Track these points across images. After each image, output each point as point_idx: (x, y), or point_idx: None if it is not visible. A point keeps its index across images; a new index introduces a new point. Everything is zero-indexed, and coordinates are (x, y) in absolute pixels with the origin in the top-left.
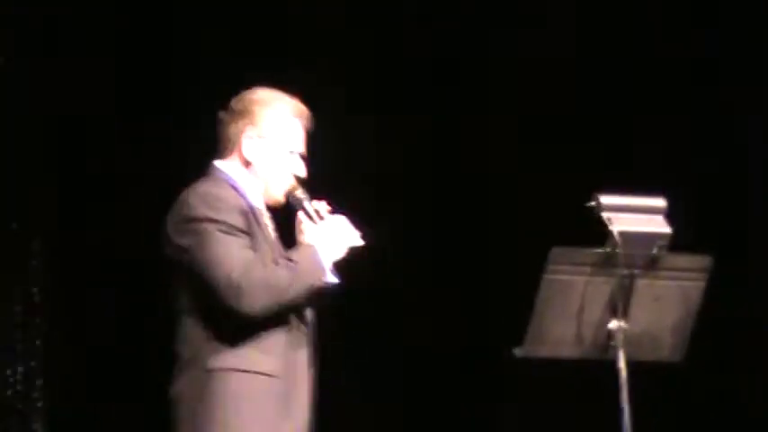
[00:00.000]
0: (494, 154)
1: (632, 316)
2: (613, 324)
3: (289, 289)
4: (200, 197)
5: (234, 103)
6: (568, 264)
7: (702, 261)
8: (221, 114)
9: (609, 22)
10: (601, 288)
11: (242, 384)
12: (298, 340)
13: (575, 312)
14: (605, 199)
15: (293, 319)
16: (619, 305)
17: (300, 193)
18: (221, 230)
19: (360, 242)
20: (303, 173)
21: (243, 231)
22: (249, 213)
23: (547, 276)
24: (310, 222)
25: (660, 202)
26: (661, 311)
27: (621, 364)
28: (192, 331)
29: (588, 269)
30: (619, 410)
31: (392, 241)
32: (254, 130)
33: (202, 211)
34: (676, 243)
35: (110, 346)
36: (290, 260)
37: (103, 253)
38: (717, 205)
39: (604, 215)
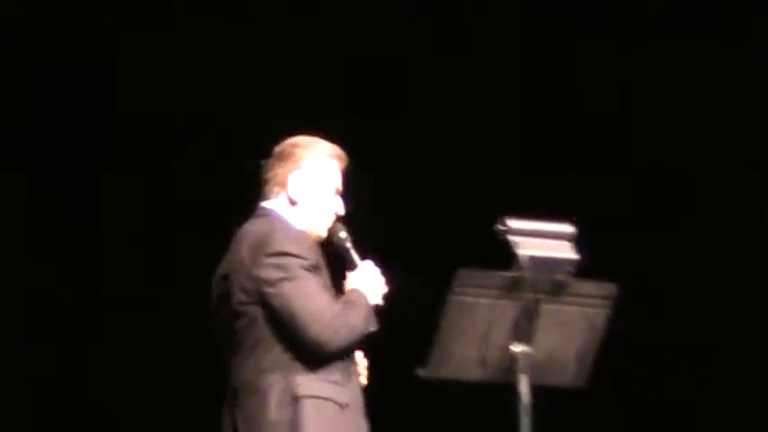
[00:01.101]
0: None
1: (536, 340)
2: (517, 348)
3: (359, 331)
4: (283, 233)
5: (277, 148)
6: (474, 286)
7: (608, 288)
8: (264, 161)
9: None
10: (506, 311)
11: (328, 412)
12: (355, 373)
13: (479, 335)
14: (513, 223)
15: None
16: (523, 329)
17: (343, 233)
18: (306, 268)
19: (386, 289)
20: (342, 211)
21: (318, 268)
22: (317, 255)
23: (452, 298)
24: (351, 264)
25: (568, 228)
26: (565, 337)
27: (524, 388)
28: (275, 359)
29: (494, 292)
30: None
31: None
32: (298, 171)
33: (288, 246)
34: (583, 270)
35: None
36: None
37: None
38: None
39: (512, 239)
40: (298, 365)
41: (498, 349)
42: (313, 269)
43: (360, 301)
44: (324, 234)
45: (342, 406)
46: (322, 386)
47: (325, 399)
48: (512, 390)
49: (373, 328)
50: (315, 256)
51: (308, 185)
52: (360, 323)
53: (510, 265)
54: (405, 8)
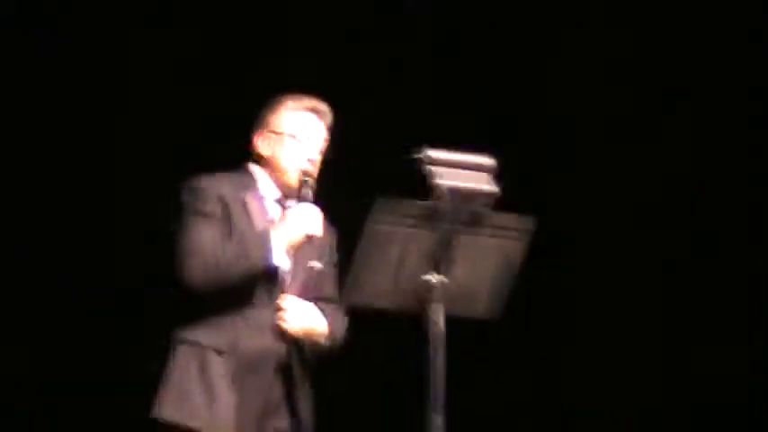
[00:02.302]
0: None
1: (452, 271)
2: (432, 277)
3: (230, 266)
4: (187, 185)
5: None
6: (391, 214)
7: (525, 222)
8: None
9: None
10: (422, 241)
11: (195, 357)
12: (260, 324)
13: (394, 263)
14: (432, 153)
15: (259, 301)
16: (439, 259)
17: (304, 178)
18: (194, 213)
19: (318, 232)
20: (313, 156)
21: (217, 215)
22: (228, 202)
23: (369, 226)
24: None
25: (488, 161)
26: (481, 268)
27: (437, 317)
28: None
29: (411, 221)
30: (429, 363)
31: None
32: (260, 130)
33: (184, 197)
34: (502, 203)
35: None
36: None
37: None
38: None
39: (430, 169)
40: (191, 309)
41: (413, 278)
42: (206, 216)
43: (252, 238)
44: (294, 179)
45: (218, 352)
46: (197, 330)
47: (195, 342)
48: (425, 319)
49: (267, 263)
50: (214, 205)
51: (272, 141)
52: (233, 259)
53: (428, 195)
54: None
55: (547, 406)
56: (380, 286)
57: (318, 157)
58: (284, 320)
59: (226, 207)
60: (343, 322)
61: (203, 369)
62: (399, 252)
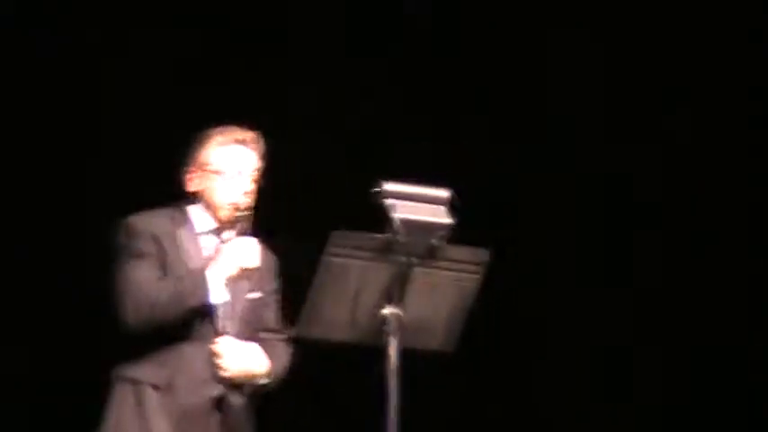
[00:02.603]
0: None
1: (407, 304)
2: (387, 310)
3: (165, 308)
4: (120, 225)
5: None
6: (347, 247)
7: (480, 255)
8: None
9: None
10: (378, 274)
11: (132, 393)
12: (197, 359)
13: (351, 296)
14: (389, 186)
15: (198, 336)
16: (395, 292)
17: (238, 214)
18: (129, 254)
19: (254, 264)
20: (246, 188)
21: (152, 254)
22: (162, 240)
23: (325, 258)
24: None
25: (444, 193)
26: (436, 301)
27: (393, 350)
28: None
29: (367, 254)
30: (385, 397)
31: None
32: (193, 167)
33: (119, 238)
34: (458, 235)
35: None
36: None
37: None
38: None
39: (387, 201)
40: (130, 347)
41: (369, 311)
42: (141, 255)
43: (189, 278)
44: (229, 214)
45: (153, 387)
46: (134, 367)
47: (132, 379)
48: (381, 352)
49: (204, 302)
50: (148, 244)
51: (199, 179)
52: (169, 299)
53: (385, 228)
54: None
55: None
56: (337, 319)
57: (252, 187)
58: (221, 367)
59: (159, 245)
60: (286, 353)
61: (140, 404)
62: (356, 285)
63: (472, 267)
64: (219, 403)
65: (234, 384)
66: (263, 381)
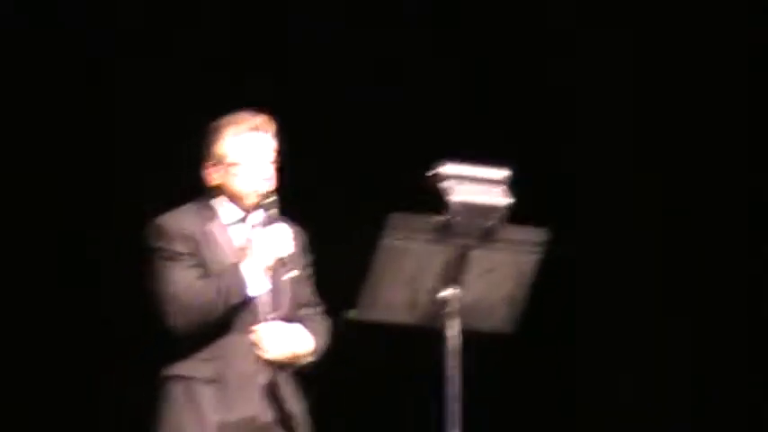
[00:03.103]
0: None
1: (466, 285)
2: (446, 292)
3: (210, 307)
4: (151, 228)
5: None
6: (406, 230)
7: (538, 234)
8: None
9: None
10: (436, 256)
11: (182, 388)
12: (244, 350)
13: (409, 278)
14: (445, 168)
15: (242, 326)
16: (453, 273)
17: (265, 202)
18: (165, 257)
19: (288, 252)
20: (267, 175)
21: (188, 254)
22: (195, 237)
23: (384, 241)
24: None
25: (502, 173)
26: (494, 282)
27: (452, 332)
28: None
29: (425, 236)
30: (445, 379)
31: None
32: (211, 161)
33: (151, 242)
34: (517, 215)
35: None
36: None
37: None
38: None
39: (443, 184)
40: (177, 345)
41: (427, 293)
42: (178, 257)
43: (227, 276)
44: (255, 201)
45: (205, 381)
46: (183, 364)
47: (182, 376)
48: (440, 335)
49: (244, 297)
50: (183, 244)
51: (219, 173)
52: (213, 302)
53: (442, 210)
54: None
55: (564, 416)
56: (396, 301)
57: (273, 171)
58: (264, 351)
59: (193, 243)
60: (325, 327)
61: (192, 400)
62: (414, 267)
63: (530, 247)
64: (270, 388)
65: (280, 367)
66: (308, 358)
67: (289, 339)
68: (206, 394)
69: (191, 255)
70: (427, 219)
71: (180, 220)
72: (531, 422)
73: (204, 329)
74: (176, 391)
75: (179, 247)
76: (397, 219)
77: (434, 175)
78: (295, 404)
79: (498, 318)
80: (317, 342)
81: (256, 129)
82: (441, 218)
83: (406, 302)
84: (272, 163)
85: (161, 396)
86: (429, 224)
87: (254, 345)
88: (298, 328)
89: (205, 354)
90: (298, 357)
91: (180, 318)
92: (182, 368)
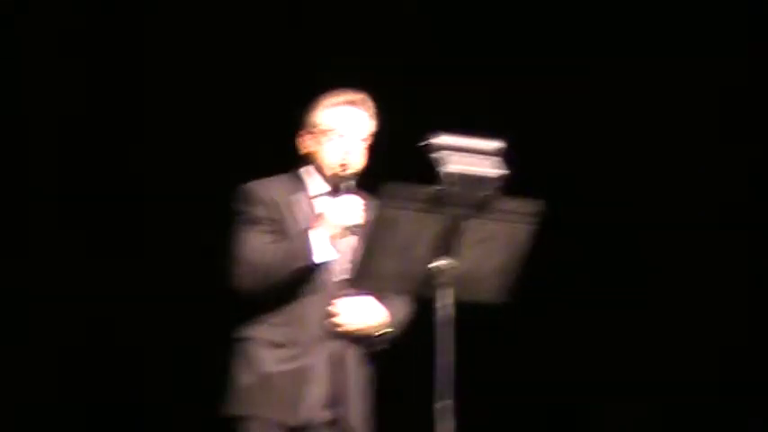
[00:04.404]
0: None
1: (459, 256)
2: (440, 262)
3: (275, 270)
4: (239, 192)
5: None
6: (399, 199)
7: (532, 205)
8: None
9: None
10: (430, 226)
11: (252, 350)
12: (313, 317)
13: (403, 249)
14: (438, 139)
15: (313, 293)
16: (446, 244)
17: (343, 176)
18: (245, 220)
19: (356, 221)
20: (349, 150)
21: (267, 219)
22: (279, 206)
23: (377, 211)
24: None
25: (495, 144)
26: (488, 253)
27: (445, 301)
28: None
29: (418, 206)
30: (437, 348)
31: None
32: (305, 129)
33: (237, 205)
34: (511, 186)
35: None
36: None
37: None
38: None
39: (436, 155)
40: (252, 309)
41: (421, 263)
42: (256, 221)
43: (294, 241)
44: (334, 173)
45: (275, 345)
46: (254, 327)
47: (252, 338)
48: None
49: (311, 262)
50: (263, 209)
51: (310, 140)
52: (278, 263)
53: (436, 180)
54: None
55: (556, 390)
56: (390, 271)
57: (361, 148)
58: (339, 324)
59: (277, 211)
60: (404, 301)
61: (262, 363)
62: (408, 237)
63: (525, 218)
64: (336, 358)
65: (353, 339)
66: (383, 331)
67: (363, 312)
68: (277, 360)
69: (271, 221)
70: (421, 188)
71: (267, 187)
72: (526, 396)
73: (271, 293)
74: (248, 353)
75: (261, 212)
76: (390, 188)
77: (429, 145)
78: (360, 375)
79: (491, 289)
80: (393, 315)
81: (353, 103)
82: (435, 187)
83: (400, 272)
84: (363, 140)
85: (233, 357)
86: (423, 194)
87: (330, 315)
88: (371, 301)
89: (276, 317)
90: (372, 330)
91: (246, 276)
92: (253, 330)
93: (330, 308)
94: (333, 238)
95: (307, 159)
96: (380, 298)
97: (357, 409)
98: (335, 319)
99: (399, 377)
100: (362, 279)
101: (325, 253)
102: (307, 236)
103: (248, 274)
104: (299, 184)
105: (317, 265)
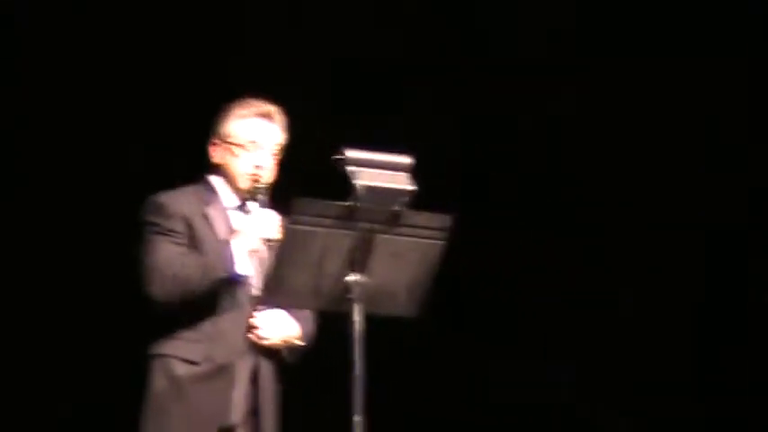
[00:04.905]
0: None
1: (370, 270)
2: (351, 277)
3: (190, 279)
4: (150, 204)
5: None
6: (310, 215)
7: (443, 220)
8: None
9: None
10: (341, 241)
11: (167, 369)
12: (230, 332)
13: (314, 263)
14: (351, 153)
15: (230, 309)
16: (358, 259)
17: (257, 185)
18: (156, 232)
19: (275, 235)
20: (260, 162)
21: (178, 233)
22: (192, 220)
23: (288, 226)
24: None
25: (406, 160)
26: (399, 267)
27: (357, 317)
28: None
29: (329, 221)
30: (351, 363)
31: None
32: (216, 139)
33: (147, 216)
34: (421, 201)
35: None
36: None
37: None
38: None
39: (349, 169)
40: (164, 324)
41: (333, 278)
42: (167, 233)
43: (212, 251)
44: (246, 186)
45: (190, 362)
46: (168, 343)
47: (167, 355)
48: (346, 319)
49: (229, 274)
50: (176, 223)
51: (221, 151)
52: (195, 273)
53: (347, 195)
54: None
55: (474, 403)
56: (301, 286)
57: (272, 161)
58: (261, 337)
59: (188, 223)
60: (311, 314)
61: (177, 381)
62: (319, 252)
63: (435, 233)
64: (255, 373)
65: (270, 352)
66: (298, 344)
67: (281, 325)
68: (192, 376)
69: (182, 234)
70: (331, 204)
71: (179, 200)
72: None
73: (187, 306)
74: (162, 371)
75: (172, 224)
76: (301, 203)
77: (340, 159)
78: (273, 390)
79: (403, 303)
80: (303, 328)
81: (264, 116)
82: (345, 203)
83: (311, 287)
84: (273, 155)
85: (148, 375)
86: (334, 209)
87: (251, 328)
88: (284, 314)
89: (193, 333)
90: (291, 340)
91: (160, 288)
92: (168, 347)
93: (252, 320)
94: (250, 251)
95: (217, 169)
96: (289, 311)
97: (270, 424)
98: (258, 332)
99: (308, 392)
100: (274, 294)
101: (244, 266)
102: (226, 247)
103: (161, 285)
104: (212, 195)
105: (238, 277)
